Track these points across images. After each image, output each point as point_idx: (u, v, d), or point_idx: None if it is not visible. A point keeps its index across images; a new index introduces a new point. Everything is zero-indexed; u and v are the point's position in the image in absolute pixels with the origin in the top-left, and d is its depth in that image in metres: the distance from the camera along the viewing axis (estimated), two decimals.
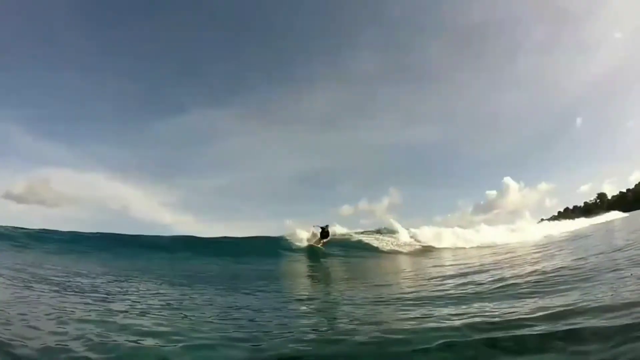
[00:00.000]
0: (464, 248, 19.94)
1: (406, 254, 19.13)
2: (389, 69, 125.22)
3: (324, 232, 19.59)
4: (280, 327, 4.40)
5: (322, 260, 16.25)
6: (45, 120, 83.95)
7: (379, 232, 23.41)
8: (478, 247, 19.87)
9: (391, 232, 22.89)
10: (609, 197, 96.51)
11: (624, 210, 59.17)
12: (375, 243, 20.99)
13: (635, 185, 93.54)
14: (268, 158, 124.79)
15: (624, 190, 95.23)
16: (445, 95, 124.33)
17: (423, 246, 20.68)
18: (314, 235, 19.83)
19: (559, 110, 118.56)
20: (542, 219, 68.79)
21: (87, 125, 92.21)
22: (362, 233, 23.02)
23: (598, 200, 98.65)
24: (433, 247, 20.43)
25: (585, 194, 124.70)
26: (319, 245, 19.03)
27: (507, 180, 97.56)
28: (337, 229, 21.35)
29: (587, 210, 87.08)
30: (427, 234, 22.39)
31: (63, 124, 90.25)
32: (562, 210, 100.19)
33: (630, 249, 8.90)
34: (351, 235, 22.21)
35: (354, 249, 19.50)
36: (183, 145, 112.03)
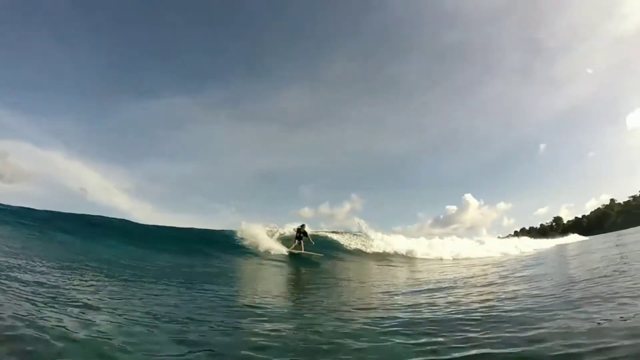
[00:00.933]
0: (440, 259, 18.62)
1: (372, 258, 17.81)
2: (363, 78, 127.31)
3: (301, 232, 17.02)
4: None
5: (276, 261, 14.14)
6: (6, 87, 77.17)
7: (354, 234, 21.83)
8: (452, 259, 18.68)
9: (363, 236, 21.40)
10: (565, 222, 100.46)
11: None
12: (342, 241, 19.89)
13: (591, 212, 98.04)
14: (234, 152, 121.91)
15: (580, 216, 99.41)
16: (416, 110, 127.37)
17: (396, 253, 19.17)
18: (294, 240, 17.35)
19: (524, 135, 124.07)
20: (499, 237, 70.11)
21: (52, 98, 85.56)
22: (333, 232, 21.58)
23: (554, 224, 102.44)
24: (405, 255, 19.00)
25: (542, 216, 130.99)
26: (299, 251, 16.51)
27: (468, 197, 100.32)
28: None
29: (543, 232, 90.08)
30: (399, 242, 20.84)
31: (27, 94, 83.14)
32: (518, 230, 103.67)
33: None
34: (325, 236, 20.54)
35: (326, 248, 17.78)
36: (149, 129, 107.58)
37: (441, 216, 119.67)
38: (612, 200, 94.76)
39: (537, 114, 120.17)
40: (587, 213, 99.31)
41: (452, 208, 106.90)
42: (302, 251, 16.20)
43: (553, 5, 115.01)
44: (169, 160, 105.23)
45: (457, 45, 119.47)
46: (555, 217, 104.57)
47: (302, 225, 16.96)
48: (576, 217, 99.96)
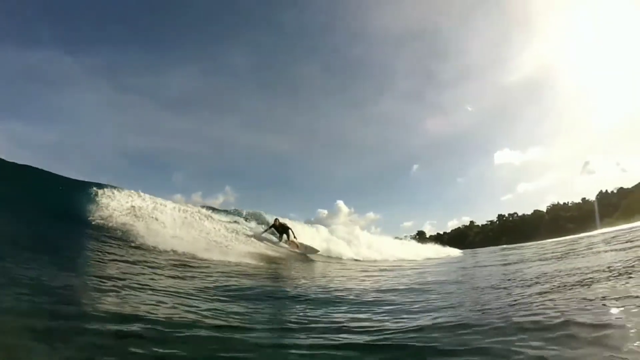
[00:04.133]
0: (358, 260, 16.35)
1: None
2: (261, 73, 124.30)
3: (280, 228, 15.90)
4: None
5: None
6: None
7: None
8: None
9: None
10: (427, 236, 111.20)
11: None
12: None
13: (452, 230, 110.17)
14: (107, 124, 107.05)
15: (441, 233, 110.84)
16: (308, 113, 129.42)
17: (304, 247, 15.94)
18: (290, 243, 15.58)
19: (402, 153, 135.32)
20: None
21: None
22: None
23: (417, 237, 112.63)
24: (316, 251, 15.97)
25: (407, 228, 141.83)
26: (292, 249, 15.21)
27: (340, 203, 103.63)
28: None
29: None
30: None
31: None
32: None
33: None
34: None
35: None
36: (20, 82, 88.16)
37: (312, 218, 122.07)
38: (471, 222, 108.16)
39: (417, 136, 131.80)
40: (448, 230, 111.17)
41: (323, 212, 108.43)
42: (295, 247, 15.14)
43: (452, 45, 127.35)
44: (36, 121, 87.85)
45: (358, 60, 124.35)
46: (419, 231, 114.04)
47: (276, 220, 15.85)
48: (438, 233, 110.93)
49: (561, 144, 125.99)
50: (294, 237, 15.47)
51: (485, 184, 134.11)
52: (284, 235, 15.63)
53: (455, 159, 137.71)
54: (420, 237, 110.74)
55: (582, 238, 24.10)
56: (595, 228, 59.51)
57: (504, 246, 44.84)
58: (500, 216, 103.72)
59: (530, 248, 22.58)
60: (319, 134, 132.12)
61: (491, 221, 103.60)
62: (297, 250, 15.08)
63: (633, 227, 25.72)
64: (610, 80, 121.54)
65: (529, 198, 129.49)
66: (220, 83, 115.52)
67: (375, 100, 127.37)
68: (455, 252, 28.30)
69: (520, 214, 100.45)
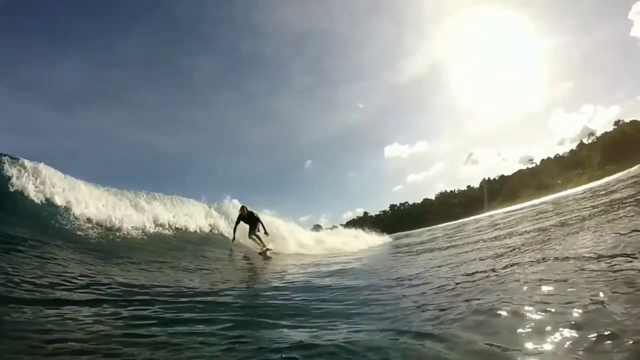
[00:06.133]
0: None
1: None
2: (153, 66, 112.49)
3: (249, 219, 12.07)
4: None
5: None
6: None
7: None
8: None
9: None
10: (324, 229, 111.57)
11: None
12: None
13: (347, 222, 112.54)
14: None
15: (337, 225, 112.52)
16: (201, 109, 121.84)
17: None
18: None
19: (295, 150, 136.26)
20: None
21: None
22: None
23: (314, 230, 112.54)
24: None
25: (303, 223, 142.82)
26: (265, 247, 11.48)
27: (235, 202, 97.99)
28: None
29: None
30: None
31: None
32: None
33: None
34: None
35: None
36: None
37: None
38: (365, 212, 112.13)
39: (310, 133, 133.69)
40: (344, 223, 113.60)
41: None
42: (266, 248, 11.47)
43: (347, 45, 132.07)
44: None
45: (254, 56, 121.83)
46: (315, 225, 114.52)
47: (243, 208, 12.13)
48: (333, 226, 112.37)
49: (447, 137, 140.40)
50: (265, 232, 11.86)
51: (376, 177, 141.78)
52: (255, 229, 11.91)
53: (348, 154, 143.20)
54: (317, 230, 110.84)
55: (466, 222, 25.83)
56: (481, 212, 65.37)
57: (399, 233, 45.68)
58: (392, 206, 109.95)
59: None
60: (211, 130, 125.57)
61: (384, 211, 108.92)
62: (259, 248, 11.53)
63: (512, 210, 28.02)
64: (492, 80, 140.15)
65: (418, 188, 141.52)
66: (109, 76, 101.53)
67: (270, 97, 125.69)
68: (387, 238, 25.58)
69: (411, 202, 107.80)
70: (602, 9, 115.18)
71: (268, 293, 4.93)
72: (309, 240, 15.50)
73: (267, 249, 11.31)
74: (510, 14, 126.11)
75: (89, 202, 9.41)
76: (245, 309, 3.78)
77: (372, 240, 19.99)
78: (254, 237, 11.74)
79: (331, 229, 27.69)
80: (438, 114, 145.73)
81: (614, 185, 18.75)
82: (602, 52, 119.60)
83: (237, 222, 11.97)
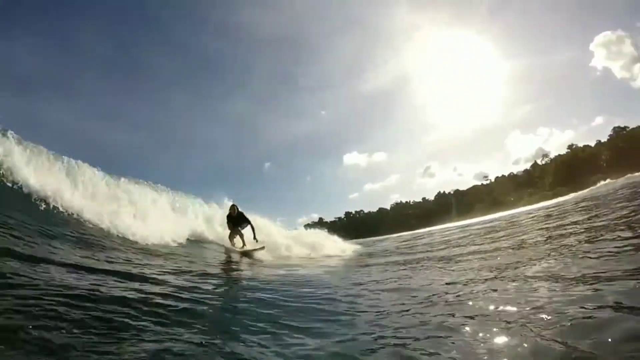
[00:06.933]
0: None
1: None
2: (114, 57, 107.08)
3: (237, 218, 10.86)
4: None
5: None
6: None
7: None
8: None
9: None
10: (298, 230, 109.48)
11: None
12: None
13: (304, 227, 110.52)
14: None
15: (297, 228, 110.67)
16: (159, 105, 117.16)
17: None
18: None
19: (255, 152, 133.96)
20: None
21: None
22: None
23: None
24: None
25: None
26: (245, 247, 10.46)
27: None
28: None
29: None
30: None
31: None
32: None
33: None
34: None
35: None
36: None
37: None
38: (320, 218, 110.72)
39: (271, 136, 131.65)
40: (299, 227, 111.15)
41: None
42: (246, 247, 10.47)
43: (315, 53, 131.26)
44: None
45: (219, 56, 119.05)
46: None
47: (233, 207, 10.88)
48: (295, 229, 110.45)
49: (405, 150, 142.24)
50: (255, 237, 10.61)
51: (334, 183, 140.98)
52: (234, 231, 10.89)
53: (307, 159, 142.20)
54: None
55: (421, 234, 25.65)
56: (443, 222, 65.52)
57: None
58: (347, 213, 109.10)
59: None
60: (168, 127, 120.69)
61: (339, 218, 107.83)
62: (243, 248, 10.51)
63: (465, 225, 27.86)
64: (454, 97, 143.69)
65: (375, 197, 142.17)
66: (67, 63, 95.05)
67: (232, 98, 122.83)
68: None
69: (366, 211, 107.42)
70: (567, 39, 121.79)
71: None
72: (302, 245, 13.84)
73: (257, 249, 10.30)
74: (477, 36, 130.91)
75: None
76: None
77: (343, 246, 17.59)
78: (237, 237, 10.75)
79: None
80: (399, 127, 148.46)
81: (565, 206, 18.88)
82: (562, 79, 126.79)
83: (228, 223, 10.81)
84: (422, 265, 7.52)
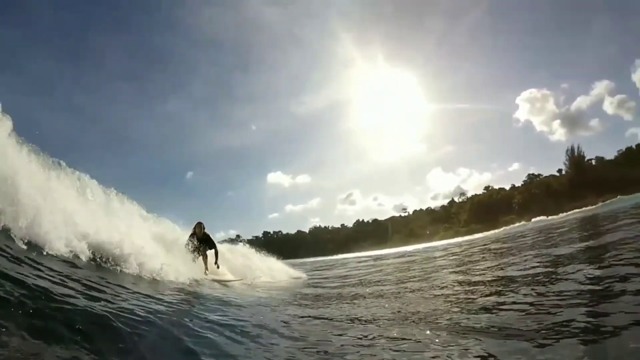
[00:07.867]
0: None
1: None
2: (59, 35, 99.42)
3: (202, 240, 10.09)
4: None
5: None
6: None
7: None
8: None
9: None
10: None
11: None
12: None
13: (221, 242, 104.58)
14: None
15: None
16: (92, 93, 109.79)
17: None
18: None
19: (179, 158, 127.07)
20: None
21: None
22: None
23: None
24: None
25: None
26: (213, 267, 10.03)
27: None
28: None
29: None
30: None
31: None
32: None
33: None
34: None
35: None
36: None
37: None
38: (238, 235, 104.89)
39: (198, 144, 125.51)
40: (219, 242, 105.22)
41: None
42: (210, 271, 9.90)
43: (257, 64, 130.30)
44: None
45: (162, 51, 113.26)
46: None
47: (200, 226, 10.23)
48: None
49: (329, 175, 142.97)
50: (216, 262, 9.92)
51: (255, 201, 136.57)
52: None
53: (231, 173, 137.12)
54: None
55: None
56: (351, 251, 64.81)
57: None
58: (265, 232, 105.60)
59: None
60: (94, 117, 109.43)
61: (257, 236, 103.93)
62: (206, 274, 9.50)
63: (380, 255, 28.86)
64: (382, 130, 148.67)
65: (295, 218, 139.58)
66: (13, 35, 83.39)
67: (169, 98, 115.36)
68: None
69: (285, 232, 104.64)
70: (497, 91, 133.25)
71: None
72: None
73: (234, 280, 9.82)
74: (413, 77, 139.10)
75: None
76: None
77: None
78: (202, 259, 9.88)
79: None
80: (326, 152, 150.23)
81: (478, 243, 19.87)
82: (486, 126, 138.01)
83: (192, 244, 9.72)
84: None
